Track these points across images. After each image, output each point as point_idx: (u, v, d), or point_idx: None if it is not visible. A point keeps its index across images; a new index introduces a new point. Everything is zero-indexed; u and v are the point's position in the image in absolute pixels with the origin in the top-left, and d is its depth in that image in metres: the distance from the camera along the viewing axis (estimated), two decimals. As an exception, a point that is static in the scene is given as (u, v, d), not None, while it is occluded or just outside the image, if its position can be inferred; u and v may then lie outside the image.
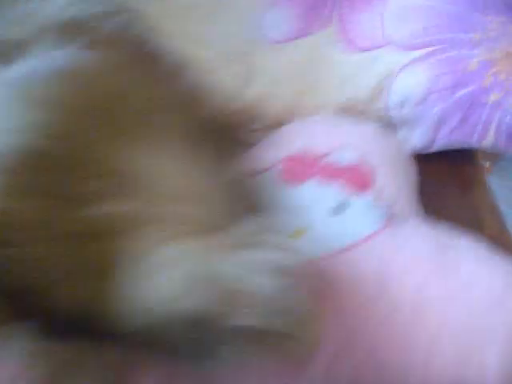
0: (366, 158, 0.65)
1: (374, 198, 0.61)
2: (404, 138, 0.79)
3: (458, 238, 0.59)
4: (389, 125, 0.79)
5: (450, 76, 0.80)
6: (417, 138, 0.79)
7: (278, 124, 0.77)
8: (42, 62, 0.45)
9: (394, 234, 0.58)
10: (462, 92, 0.80)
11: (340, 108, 0.79)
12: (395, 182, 0.65)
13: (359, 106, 0.79)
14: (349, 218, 0.59)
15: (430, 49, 0.80)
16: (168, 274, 0.35)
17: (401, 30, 0.81)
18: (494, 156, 1.27)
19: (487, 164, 1.24)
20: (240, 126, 0.75)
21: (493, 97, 0.80)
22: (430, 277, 0.54)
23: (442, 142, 0.80)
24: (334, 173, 0.62)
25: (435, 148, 0.79)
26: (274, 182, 0.63)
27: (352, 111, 0.79)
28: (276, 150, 0.68)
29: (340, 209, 0.60)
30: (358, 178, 0.62)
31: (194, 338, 0.35)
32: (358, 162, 0.64)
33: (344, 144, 0.66)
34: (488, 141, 0.80)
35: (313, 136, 0.69)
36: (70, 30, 0.50)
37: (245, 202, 0.50)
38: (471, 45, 0.81)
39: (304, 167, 0.64)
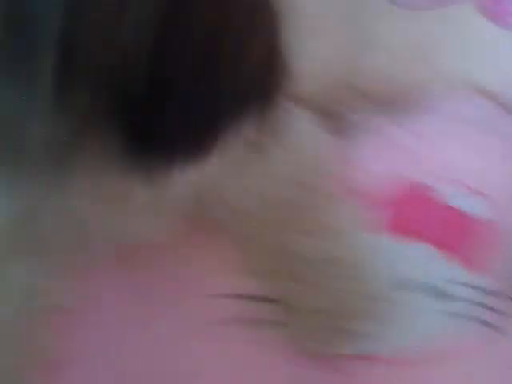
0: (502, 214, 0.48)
1: (488, 285, 0.46)
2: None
3: None
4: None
5: None
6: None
7: (391, 103, 0.62)
8: None
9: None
10: None
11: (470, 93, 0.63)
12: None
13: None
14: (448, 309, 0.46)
15: None
16: None
17: None
18: None
19: None
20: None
21: None
22: None
23: None
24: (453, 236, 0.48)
25: None
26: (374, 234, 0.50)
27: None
28: (394, 173, 0.53)
29: (441, 294, 0.47)
30: (480, 248, 0.47)
31: None
32: (490, 217, 0.48)
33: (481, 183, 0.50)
34: None
35: (449, 159, 0.53)
36: None
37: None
38: None
39: (419, 216, 0.50)
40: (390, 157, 0.55)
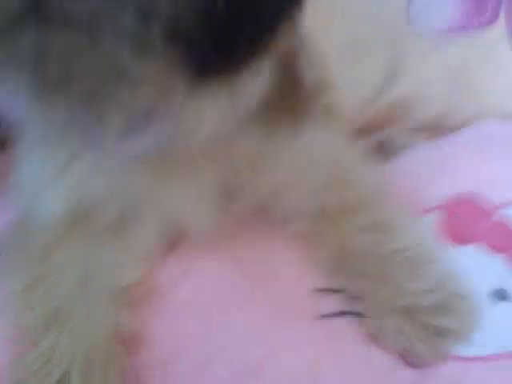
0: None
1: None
2: None
3: None
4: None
5: None
6: None
7: (430, 127, 0.64)
8: None
9: None
10: None
11: (504, 116, 0.65)
12: None
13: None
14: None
15: None
16: None
17: None
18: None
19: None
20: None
21: None
22: None
23: None
24: (507, 239, 0.49)
25: None
26: (431, 233, 0.50)
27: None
28: (442, 184, 0.54)
29: (501, 296, 0.46)
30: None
31: None
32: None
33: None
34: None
35: (491, 173, 0.55)
36: None
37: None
38: None
39: (472, 221, 0.51)
40: (430, 171, 0.55)
